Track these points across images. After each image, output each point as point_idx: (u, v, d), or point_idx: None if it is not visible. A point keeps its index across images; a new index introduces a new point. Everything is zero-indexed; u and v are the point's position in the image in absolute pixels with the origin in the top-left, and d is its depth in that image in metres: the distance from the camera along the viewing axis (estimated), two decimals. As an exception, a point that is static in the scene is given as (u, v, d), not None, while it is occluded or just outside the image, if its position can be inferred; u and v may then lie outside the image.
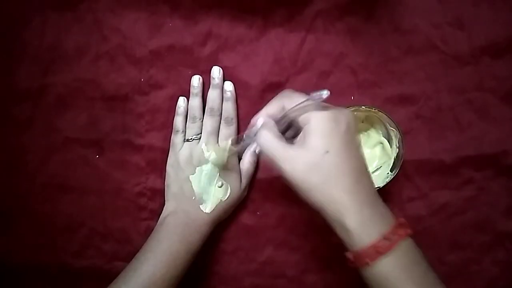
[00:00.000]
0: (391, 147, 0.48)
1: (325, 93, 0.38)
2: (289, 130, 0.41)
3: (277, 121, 0.40)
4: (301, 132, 0.38)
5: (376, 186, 0.47)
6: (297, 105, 0.39)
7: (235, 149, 0.47)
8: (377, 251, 0.35)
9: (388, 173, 0.48)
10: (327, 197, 0.36)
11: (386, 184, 0.47)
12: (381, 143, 0.49)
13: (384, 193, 0.49)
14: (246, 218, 0.52)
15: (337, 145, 0.37)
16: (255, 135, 0.40)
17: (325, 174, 0.36)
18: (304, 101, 0.39)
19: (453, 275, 0.51)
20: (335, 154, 0.36)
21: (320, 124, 0.37)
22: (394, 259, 0.35)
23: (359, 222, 0.36)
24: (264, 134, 0.39)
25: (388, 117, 0.47)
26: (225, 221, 0.51)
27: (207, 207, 0.48)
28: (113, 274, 0.44)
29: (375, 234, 0.35)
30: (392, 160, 0.48)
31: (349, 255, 0.37)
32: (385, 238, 0.35)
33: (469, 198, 0.51)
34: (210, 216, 0.48)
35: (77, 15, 0.52)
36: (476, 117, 0.50)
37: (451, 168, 0.50)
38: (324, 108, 0.38)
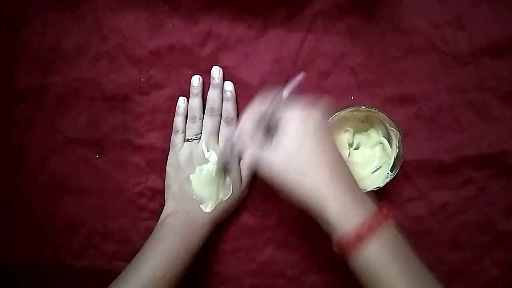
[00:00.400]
0: (391, 147, 0.48)
1: (299, 77, 0.41)
2: (273, 129, 0.42)
3: (257, 125, 0.41)
4: (276, 133, 0.40)
5: (376, 186, 0.47)
6: (268, 105, 0.41)
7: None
8: (359, 239, 0.36)
9: (388, 173, 0.48)
10: (306, 191, 0.38)
11: (386, 184, 0.47)
12: (381, 143, 0.49)
13: (384, 193, 0.49)
14: (246, 218, 0.52)
15: (308, 141, 0.38)
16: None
17: (300, 170, 0.38)
18: (274, 99, 0.41)
19: (453, 275, 0.51)
20: (307, 150, 0.38)
21: (290, 123, 0.39)
22: (377, 245, 0.36)
23: (339, 212, 0.37)
24: (241, 140, 0.41)
25: (388, 117, 0.47)
26: (225, 221, 0.51)
27: (208, 207, 0.48)
28: (113, 274, 0.44)
29: (356, 222, 0.36)
30: (392, 160, 0.48)
31: (334, 245, 0.38)
32: (366, 225, 0.36)
33: (469, 198, 0.51)
34: (210, 216, 0.48)
35: (77, 15, 0.52)
36: (476, 117, 0.50)
37: (451, 168, 0.50)
38: (294, 106, 0.40)
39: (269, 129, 0.42)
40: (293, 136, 0.38)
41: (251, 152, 0.41)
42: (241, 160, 0.50)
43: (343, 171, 0.39)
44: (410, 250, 0.38)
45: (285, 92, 0.41)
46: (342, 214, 0.37)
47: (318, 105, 0.41)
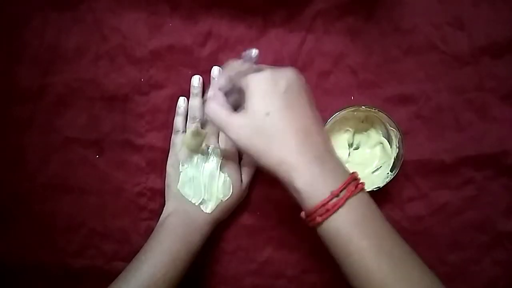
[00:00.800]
0: (391, 147, 0.48)
1: (253, 52, 0.40)
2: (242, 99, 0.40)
3: (226, 93, 0.41)
4: (245, 96, 0.38)
5: (376, 186, 0.47)
6: (236, 72, 0.40)
7: (204, 131, 0.47)
8: (327, 209, 0.35)
9: (388, 173, 0.48)
10: (275, 159, 0.37)
11: (386, 184, 0.47)
12: (381, 143, 0.49)
13: (384, 193, 0.49)
14: (246, 218, 0.52)
15: (277, 106, 0.37)
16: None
17: (269, 136, 0.36)
18: (240, 66, 0.40)
19: (453, 275, 0.51)
20: (276, 115, 0.36)
21: (257, 86, 0.37)
22: (344, 215, 0.35)
23: (307, 182, 0.36)
24: (211, 105, 0.40)
25: (388, 117, 0.47)
26: (225, 221, 0.51)
27: (208, 207, 0.48)
28: (113, 274, 0.44)
29: (324, 192, 0.35)
30: (392, 160, 0.48)
31: (301, 214, 0.37)
32: (334, 195, 0.35)
33: (469, 198, 0.51)
34: (210, 216, 0.48)
35: (77, 15, 0.52)
36: (476, 117, 0.50)
37: (451, 168, 0.50)
38: (262, 70, 0.38)
39: (240, 93, 0.40)
40: (261, 99, 0.37)
41: (219, 116, 0.39)
42: (241, 161, 0.51)
43: (315, 138, 0.37)
44: (381, 219, 0.37)
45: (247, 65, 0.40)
46: (311, 185, 0.36)
47: (286, 70, 0.38)
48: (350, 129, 0.50)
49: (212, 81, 0.47)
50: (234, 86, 0.40)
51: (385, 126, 0.48)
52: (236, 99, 0.41)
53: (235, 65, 0.41)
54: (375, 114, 0.48)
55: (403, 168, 0.48)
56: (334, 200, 0.35)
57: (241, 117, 0.38)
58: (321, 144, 0.38)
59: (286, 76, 0.38)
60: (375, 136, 0.50)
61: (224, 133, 0.39)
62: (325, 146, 0.38)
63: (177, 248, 0.45)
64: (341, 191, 0.35)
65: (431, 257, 0.50)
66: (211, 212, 0.48)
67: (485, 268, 0.51)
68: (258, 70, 0.38)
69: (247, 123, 0.37)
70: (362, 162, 0.50)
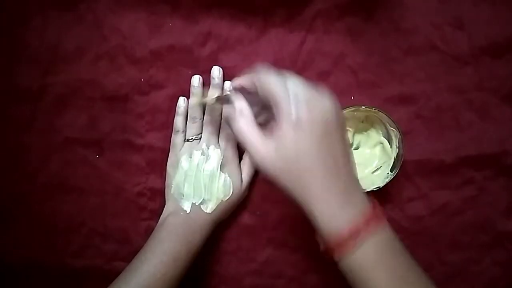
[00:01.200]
0: (391, 147, 0.48)
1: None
2: (264, 113, 0.39)
3: (249, 101, 0.38)
4: (274, 117, 0.36)
5: (376, 186, 0.47)
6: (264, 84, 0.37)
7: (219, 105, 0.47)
8: (348, 244, 0.35)
9: (388, 173, 0.48)
10: (298, 191, 0.36)
11: (386, 184, 0.47)
12: (381, 143, 0.49)
13: (384, 193, 0.49)
14: (246, 218, 0.52)
15: (310, 140, 0.34)
16: (228, 99, 0.40)
17: (296, 170, 0.35)
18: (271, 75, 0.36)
19: (453, 275, 0.51)
20: (308, 151, 0.34)
21: (290, 112, 0.34)
22: (365, 251, 0.35)
23: (329, 218, 0.35)
24: (240, 125, 0.37)
25: (388, 117, 0.47)
26: (225, 221, 0.51)
27: (208, 207, 0.48)
28: (113, 274, 0.44)
29: (345, 228, 0.35)
30: (392, 160, 0.48)
31: (321, 247, 0.37)
32: (353, 232, 0.34)
33: (469, 198, 0.51)
34: (211, 216, 0.48)
35: (77, 15, 0.52)
36: (476, 117, 0.50)
37: (451, 168, 0.50)
38: (297, 93, 0.35)
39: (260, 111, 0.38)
40: (292, 128, 0.34)
41: (249, 138, 0.37)
42: (241, 161, 0.51)
43: (342, 170, 0.36)
44: (402, 252, 0.37)
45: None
46: (331, 221, 0.35)
47: (325, 95, 0.36)
48: (350, 129, 0.50)
49: (232, 88, 0.42)
50: (259, 99, 0.38)
51: (385, 126, 0.48)
52: (259, 111, 0.38)
53: (265, 75, 0.37)
54: (375, 114, 0.48)
55: (403, 168, 0.48)
56: (355, 236, 0.35)
57: (270, 144, 0.35)
58: (347, 177, 0.36)
59: (323, 105, 0.35)
60: (375, 136, 0.50)
61: (249, 152, 0.37)
62: (350, 177, 0.37)
63: (177, 248, 0.45)
64: (359, 227, 0.35)
65: (431, 257, 0.51)
66: (211, 212, 0.48)
67: (485, 268, 0.51)
68: (293, 89, 0.35)
69: (275, 152, 0.35)
70: (362, 162, 0.50)
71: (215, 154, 0.49)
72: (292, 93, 0.35)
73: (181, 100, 0.51)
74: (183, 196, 0.48)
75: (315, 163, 0.35)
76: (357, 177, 0.38)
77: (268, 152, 0.36)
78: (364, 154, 0.51)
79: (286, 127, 0.35)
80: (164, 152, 0.51)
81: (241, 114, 0.38)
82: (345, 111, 0.47)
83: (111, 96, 0.52)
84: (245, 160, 0.50)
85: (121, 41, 0.51)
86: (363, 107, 0.47)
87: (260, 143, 0.36)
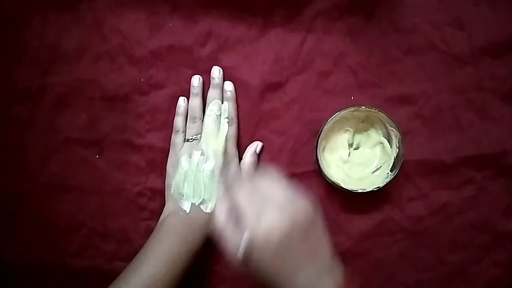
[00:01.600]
0: (391, 147, 0.48)
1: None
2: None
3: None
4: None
5: (376, 186, 0.47)
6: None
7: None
8: None
9: (388, 173, 0.48)
10: (282, 275, 0.36)
11: (386, 184, 0.47)
12: (381, 143, 0.49)
13: (384, 193, 0.49)
14: (246, 218, 0.52)
15: (292, 246, 0.35)
16: None
17: (277, 273, 0.36)
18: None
19: (453, 275, 0.51)
20: (291, 253, 0.35)
21: (273, 228, 0.35)
22: None
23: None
24: (218, 215, 0.38)
25: (388, 117, 0.47)
26: (225, 221, 0.51)
27: (208, 207, 0.48)
28: (113, 274, 0.44)
29: None
30: (392, 160, 0.48)
31: None
32: None
33: (469, 198, 0.51)
34: (210, 216, 0.48)
35: (77, 15, 0.52)
36: (476, 117, 0.50)
37: (451, 168, 0.50)
38: (275, 204, 0.35)
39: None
40: (277, 238, 0.34)
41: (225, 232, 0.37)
42: (242, 161, 0.50)
43: (322, 253, 0.37)
44: None
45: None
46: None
47: (301, 197, 0.36)
48: (350, 129, 0.50)
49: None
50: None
51: (385, 126, 0.48)
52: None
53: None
54: (375, 114, 0.48)
55: (403, 168, 0.48)
56: None
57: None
58: (326, 258, 0.37)
59: (304, 212, 0.36)
60: (375, 136, 0.50)
61: (222, 247, 0.37)
62: (328, 257, 0.37)
63: (177, 248, 0.45)
64: None
65: (431, 257, 0.51)
66: (211, 212, 0.48)
67: (485, 268, 0.51)
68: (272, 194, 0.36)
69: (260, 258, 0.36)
70: (362, 162, 0.50)
71: (214, 154, 0.48)
72: (273, 211, 0.35)
73: (181, 100, 0.51)
74: (183, 196, 0.48)
75: (300, 259, 0.36)
76: (332, 252, 0.37)
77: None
78: (364, 154, 0.51)
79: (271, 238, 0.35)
80: (164, 152, 0.51)
81: (219, 205, 0.38)
82: (345, 111, 0.47)
83: (111, 96, 0.52)
84: (245, 161, 0.50)
85: (121, 41, 0.51)
86: (363, 107, 0.47)
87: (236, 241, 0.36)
